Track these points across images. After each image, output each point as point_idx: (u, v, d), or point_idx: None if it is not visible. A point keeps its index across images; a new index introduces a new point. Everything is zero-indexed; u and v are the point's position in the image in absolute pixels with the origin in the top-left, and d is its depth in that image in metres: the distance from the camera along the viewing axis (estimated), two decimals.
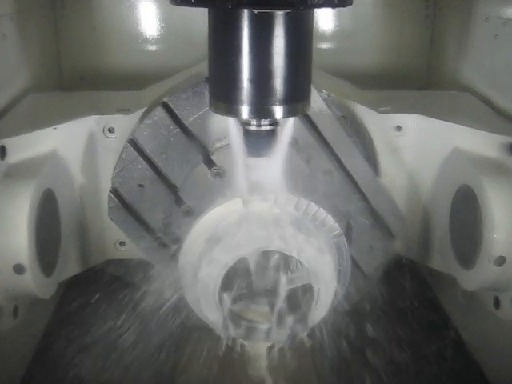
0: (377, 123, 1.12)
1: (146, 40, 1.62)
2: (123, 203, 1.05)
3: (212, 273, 0.91)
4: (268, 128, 0.86)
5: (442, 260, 1.15)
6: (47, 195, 1.05)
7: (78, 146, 1.13)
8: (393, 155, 1.14)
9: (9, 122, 1.14)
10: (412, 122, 1.13)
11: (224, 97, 0.84)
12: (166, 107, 1.02)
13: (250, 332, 0.98)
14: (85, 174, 1.16)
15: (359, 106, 1.11)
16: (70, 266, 1.16)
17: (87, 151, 1.14)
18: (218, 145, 1.03)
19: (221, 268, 0.90)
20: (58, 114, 1.15)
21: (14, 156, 1.04)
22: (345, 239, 1.05)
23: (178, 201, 1.04)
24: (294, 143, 1.03)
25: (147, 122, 1.02)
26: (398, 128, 1.13)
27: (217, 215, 0.95)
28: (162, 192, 1.03)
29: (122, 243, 1.22)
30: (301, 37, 0.81)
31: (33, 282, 0.97)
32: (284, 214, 0.95)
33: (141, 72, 1.60)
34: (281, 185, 0.93)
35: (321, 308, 0.98)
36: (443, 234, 1.13)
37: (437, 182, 1.14)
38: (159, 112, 1.01)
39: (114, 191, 1.04)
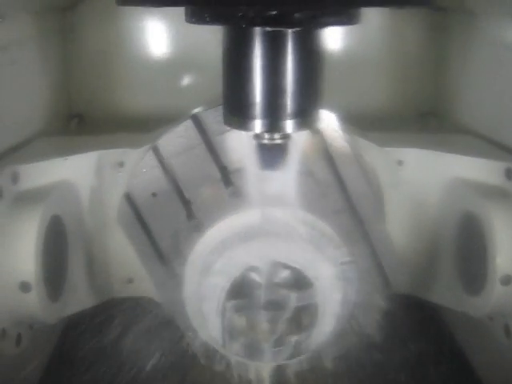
0: (379, 158, 1.16)
1: (157, 63, 1.62)
2: (134, 210, 1.06)
3: (217, 283, 0.91)
4: (280, 141, 0.90)
5: (449, 292, 1.15)
6: (55, 221, 1.06)
7: (87, 178, 1.15)
8: (397, 188, 1.17)
9: (22, 153, 1.16)
10: (412, 156, 1.17)
11: (237, 111, 0.88)
12: (196, 120, 1.05)
13: (250, 351, 0.96)
14: (92, 207, 1.17)
15: (362, 140, 1.15)
16: (76, 298, 1.15)
17: (96, 184, 1.16)
18: (238, 165, 1.05)
19: (227, 279, 0.91)
20: (69, 150, 1.18)
21: (26, 183, 1.06)
22: (354, 269, 1.06)
23: (189, 215, 1.05)
24: (311, 175, 1.06)
25: (174, 131, 1.05)
26: (400, 162, 1.17)
27: (226, 226, 0.96)
28: (173, 204, 1.05)
29: (130, 280, 1.20)
30: (311, 54, 0.87)
31: (38, 303, 0.97)
32: (299, 230, 0.96)
33: (151, 95, 1.61)
34: (296, 201, 0.95)
35: (323, 331, 0.97)
36: (449, 264, 1.14)
37: (440, 213, 1.17)
38: (188, 123, 1.04)
39: (128, 196, 1.05)
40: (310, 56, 0.87)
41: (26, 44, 1.30)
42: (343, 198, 1.10)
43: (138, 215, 1.07)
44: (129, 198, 1.06)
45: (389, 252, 1.13)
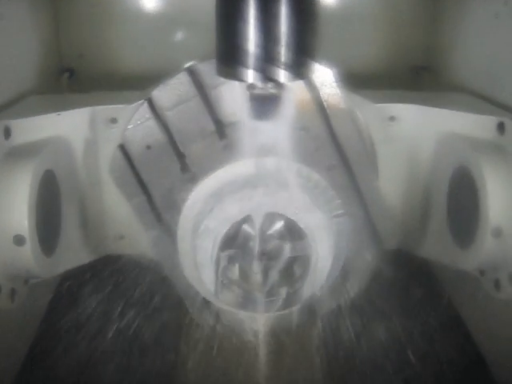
0: (371, 114, 1.16)
1: (149, 18, 1.59)
2: (128, 162, 1.05)
3: (211, 234, 0.91)
4: (273, 91, 0.90)
5: (440, 246, 1.16)
6: (48, 176, 1.06)
7: (80, 133, 1.14)
8: (389, 144, 1.17)
9: (14, 109, 1.16)
10: (404, 112, 1.17)
11: (230, 61, 0.87)
12: (190, 73, 1.03)
13: (243, 301, 0.97)
14: (86, 163, 1.17)
15: (355, 96, 1.14)
16: (70, 254, 1.15)
17: (89, 140, 1.15)
18: (232, 119, 1.04)
19: (221, 229, 0.91)
20: (61, 107, 1.18)
21: (18, 138, 1.05)
22: (346, 222, 1.06)
23: (184, 168, 1.05)
24: (305, 130, 1.06)
25: (168, 84, 1.03)
26: (392, 118, 1.17)
27: (220, 177, 0.96)
28: (168, 157, 1.04)
29: (121, 237, 1.21)
30: (306, 2, 0.86)
31: (32, 256, 0.97)
32: (293, 180, 0.96)
33: (142, 49, 1.59)
34: (291, 155, 0.95)
35: (315, 282, 0.98)
36: (440, 219, 1.15)
37: (432, 168, 1.17)
38: (183, 76, 1.03)
39: (122, 149, 1.05)
40: (305, 4, 0.86)
41: None
42: (337, 154, 1.10)
43: (131, 168, 1.06)
44: (123, 151, 1.05)
45: (381, 207, 1.14)
